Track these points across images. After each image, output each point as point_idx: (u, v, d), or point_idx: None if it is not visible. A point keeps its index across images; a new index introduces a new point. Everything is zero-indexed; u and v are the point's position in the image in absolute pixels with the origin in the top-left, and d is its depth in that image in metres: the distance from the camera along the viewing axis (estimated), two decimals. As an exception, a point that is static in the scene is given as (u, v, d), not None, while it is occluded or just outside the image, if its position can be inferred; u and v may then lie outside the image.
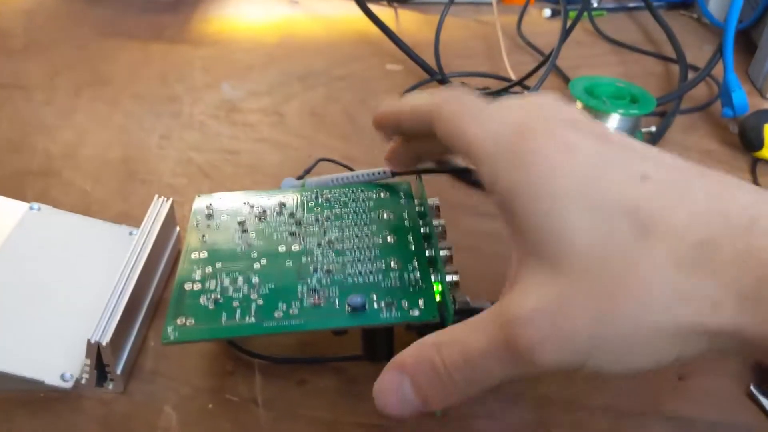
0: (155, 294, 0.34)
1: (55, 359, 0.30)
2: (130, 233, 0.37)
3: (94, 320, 0.29)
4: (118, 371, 0.30)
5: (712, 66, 0.50)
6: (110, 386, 0.30)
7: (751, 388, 0.31)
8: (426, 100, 0.28)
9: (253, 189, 0.43)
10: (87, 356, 0.29)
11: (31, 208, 0.37)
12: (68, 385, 0.30)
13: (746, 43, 0.59)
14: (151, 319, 0.34)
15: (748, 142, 0.47)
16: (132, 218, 0.40)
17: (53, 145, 0.47)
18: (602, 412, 0.30)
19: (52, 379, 0.29)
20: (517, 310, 0.22)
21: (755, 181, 0.45)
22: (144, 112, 0.51)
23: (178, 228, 0.38)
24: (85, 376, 0.30)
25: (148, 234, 0.34)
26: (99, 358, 0.29)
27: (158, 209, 0.35)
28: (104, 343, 0.28)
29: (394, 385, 0.24)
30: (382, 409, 0.25)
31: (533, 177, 0.22)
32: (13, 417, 0.30)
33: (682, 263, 0.20)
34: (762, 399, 0.31)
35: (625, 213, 0.21)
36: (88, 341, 0.28)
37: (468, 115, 0.26)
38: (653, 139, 0.48)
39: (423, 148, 0.32)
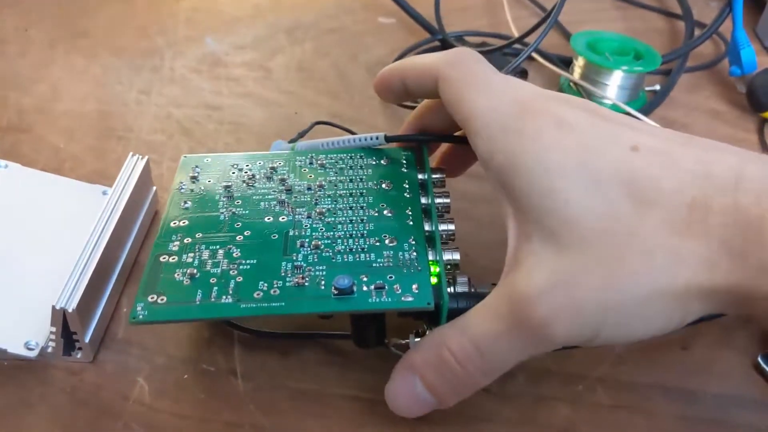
0: (129, 257, 0.32)
1: (20, 326, 0.28)
2: (104, 193, 0.35)
3: (61, 285, 0.27)
4: (87, 339, 0.28)
5: (720, 22, 0.48)
6: (78, 355, 0.28)
7: (759, 359, 0.30)
8: (433, 60, 0.28)
9: (236, 147, 0.41)
10: (52, 324, 0.27)
11: (-3, 166, 0.35)
12: (33, 353, 0.28)
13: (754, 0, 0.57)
14: (125, 284, 0.32)
15: (756, 102, 0.44)
16: (107, 177, 0.37)
17: (26, 99, 0.45)
18: (603, 385, 0.29)
19: (15, 347, 0.28)
20: (526, 288, 0.22)
21: (763, 143, 0.43)
22: (123, 66, 0.48)
23: (154, 187, 0.35)
24: (51, 344, 0.28)
25: (121, 193, 0.32)
26: (66, 326, 0.27)
27: (133, 167, 0.33)
28: (70, 310, 0.26)
29: (406, 386, 0.25)
30: (396, 411, 0.25)
31: (531, 154, 0.23)
32: (-25, 387, 0.28)
33: (676, 226, 0.21)
34: (770, 371, 0.29)
35: (620, 183, 0.22)
36: (53, 308, 0.26)
37: (474, 84, 0.26)
38: (658, 99, 0.46)
39: (429, 122, 0.31)
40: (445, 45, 0.49)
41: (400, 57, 0.49)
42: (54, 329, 0.27)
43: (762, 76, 0.45)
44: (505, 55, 0.48)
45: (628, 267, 0.21)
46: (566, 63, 0.48)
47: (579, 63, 0.46)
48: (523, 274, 0.23)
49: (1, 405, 0.27)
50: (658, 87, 0.47)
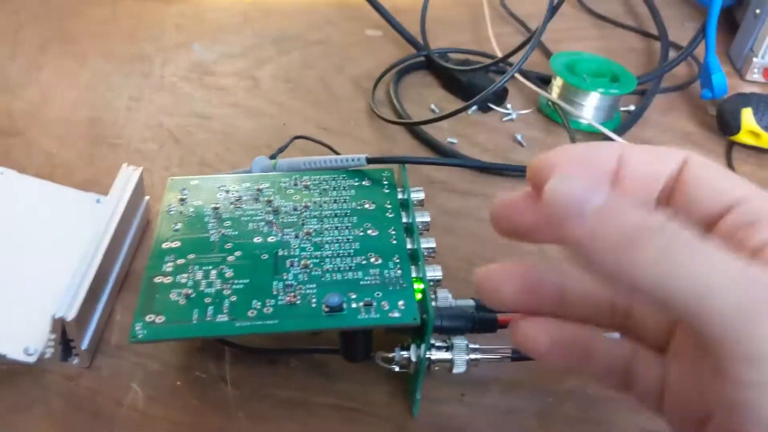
0: (122, 266, 0.33)
1: (19, 332, 0.29)
2: (97, 201, 0.36)
3: (59, 294, 0.28)
4: (84, 347, 0.29)
5: (693, 47, 0.50)
6: (75, 361, 0.29)
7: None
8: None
9: (227, 156, 0.42)
10: (52, 332, 0.28)
11: (-6, 173, 0.35)
12: (32, 359, 0.29)
13: (728, 21, 0.59)
14: (118, 292, 0.33)
15: (725, 126, 0.47)
16: (99, 185, 0.38)
17: (17, 103, 0.45)
18: (571, 398, 0.31)
19: (15, 353, 0.29)
20: None
21: (730, 165, 0.45)
22: (112, 72, 0.49)
23: (147, 197, 0.37)
24: (50, 350, 0.29)
25: (116, 205, 0.33)
26: (64, 334, 0.28)
27: (127, 179, 0.34)
28: (69, 319, 0.28)
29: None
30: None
31: None
32: (-27, 390, 0.29)
33: None
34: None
35: None
36: (53, 317, 0.28)
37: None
38: (632, 119, 0.48)
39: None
40: (429, 61, 0.51)
41: (387, 71, 0.50)
42: (53, 337, 0.28)
43: (731, 100, 0.47)
44: (488, 72, 0.50)
45: None
46: (545, 81, 0.50)
47: (557, 83, 0.47)
48: None
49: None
50: (632, 107, 0.50)
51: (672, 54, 0.55)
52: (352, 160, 0.33)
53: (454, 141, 0.45)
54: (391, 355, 0.28)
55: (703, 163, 0.20)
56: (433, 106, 0.48)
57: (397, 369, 0.28)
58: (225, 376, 0.30)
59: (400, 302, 0.27)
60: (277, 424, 0.29)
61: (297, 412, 0.29)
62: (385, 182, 0.33)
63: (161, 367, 0.30)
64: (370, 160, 0.33)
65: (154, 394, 0.29)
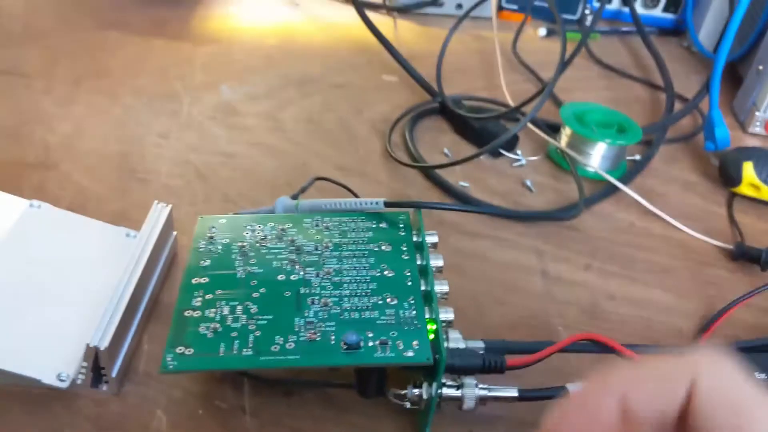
0: (151, 297, 0.35)
1: (52, 358, 0.31)
2: (127, 235, 0.38)
3: (93, 323, 0.30)
4: (114, 374, 0.31)
5: (698, 101, 0.52)
6: (105, 388, 0.31)
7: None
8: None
9: (249, 194, 0.44)
10: (85, 359, 0.30)
11: (31, 206, 0.38)
12: (64, 384, 0.30)
13: (732, 74, 0.61)
14: (146, 323, 0.35)
15: (727, 178, 0.48)
16: (129, 218, 0.40)
17: (51, 136, 0.48)
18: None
19: (48, 378, 0.30)
20: None
21: (731, 216, 0.47)
22: (143, 108, 0.51)
23: (175, 233, 0.39)
24: (81, 377, 0.31)
25: (146, 240, 0.35)
26: (96, 361, 0.30)
27: (157, 215, 0.36)
28: (102, 348, 0.29)
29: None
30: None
31: None
32: (8, 412, 0.31)
33: None
34: None
35: None
36: (87, 345, 0.29)
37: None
38: (637, 168, 0.50)
39: None
40: (443, 107, 0.53)
41: (403, 116, 0.52)
42: (86, 364, 0.30)
43: (733, 153, 0.49)
44: (498, 118, 0.52)
45: None
46: (554, 129, 0.52)
47: (566, 132, 0.49)
48: None
49: (32, 431, 0.30)
50: (638, 157, 0.51)
51: (677, 105, 0.57)
52: (371, 203, 0.35)
53: (466, 184, 0.47)
54: (403, 392, 0.30)
55: (711, 393, 0.18)
56: (446, 150, 0.50)
57: (408, 405, 0.30)
58: (244, 405, 0.32)
59: (415, 342, 0.28)
60: (292, 454, 0.30)
61: (311, 443, 0.31)
62: (401, 225, 0.35)
63: (184, 395, 0.32)
64: (387, 204, 0.35)
65: (177, 421, 0.31)
